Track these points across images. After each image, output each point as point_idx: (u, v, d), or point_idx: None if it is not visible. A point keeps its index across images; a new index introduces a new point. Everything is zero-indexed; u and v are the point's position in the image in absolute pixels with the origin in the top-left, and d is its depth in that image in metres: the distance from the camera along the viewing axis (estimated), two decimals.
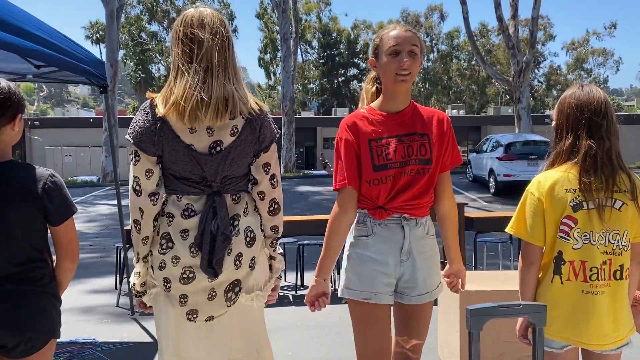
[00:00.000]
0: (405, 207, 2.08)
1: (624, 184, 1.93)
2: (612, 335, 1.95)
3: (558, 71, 44.99)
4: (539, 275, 2.03)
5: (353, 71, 44.40)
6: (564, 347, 1.98)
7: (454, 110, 35.79)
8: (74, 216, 1.93)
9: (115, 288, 5.87)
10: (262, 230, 2.06)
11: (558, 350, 1.98)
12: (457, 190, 16.46)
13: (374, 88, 2.23)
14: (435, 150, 2.11)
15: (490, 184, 15.63)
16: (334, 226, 2.10)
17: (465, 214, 5.76)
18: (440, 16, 43.74)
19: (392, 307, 2.18)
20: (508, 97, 38.88)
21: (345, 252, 2.18)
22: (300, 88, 41.79)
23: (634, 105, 51.52)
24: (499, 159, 14.97)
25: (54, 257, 1.96)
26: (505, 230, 2.10)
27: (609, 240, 1.93)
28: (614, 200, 1.92)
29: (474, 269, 6.11)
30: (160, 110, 1.87)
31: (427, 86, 45.28)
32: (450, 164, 2.20)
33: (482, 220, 6.01)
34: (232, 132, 1.92)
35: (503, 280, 3.61)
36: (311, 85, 44.23)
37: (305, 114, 32.40)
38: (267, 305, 2.17)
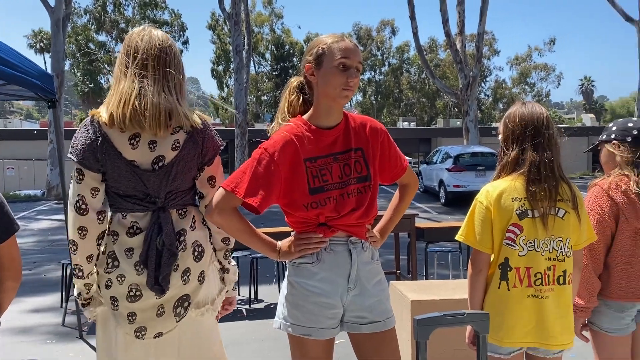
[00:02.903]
0: (352, 227, 1.95)
1: (566, 194, 2.05)
2: (559, 339, 2.03)
3: (503, 85, 46.62)
4: (487, 282, 2.10)
5: None
6: (511, 352, 2.05)
7: (405, 123, 36.47)
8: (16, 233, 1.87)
9: (61, 306, 5.66)
10: (211, 243, 2.05)
11: (505, 356, 2.05)
12: None
13: (300, 100, 2.02)
14: (372, 163, 1.98)
15: (441, 195, 15.98)
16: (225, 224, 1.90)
17: (416, 225, 5.88)
18: (392, 31, 44.64)
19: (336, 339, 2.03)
20: (457, 109, 40.01)
21: (286, 277, 2.00)
22: (254, 100, 41.64)
23: (574, 118, 53.87)
24: (448, 170, 15.34)
25: None
26: (455, 237, 2.17)
27: (552, 247, 2.03)
28: (557, 209, 2.03)
29: (425, 279, 6.22)
30: (104, 118, 1.85)
31: (378, 99, 46.00)
32: (402, 170, 2.09)
33: (433, 231, 6.16)
34: (173, 146, 1.91)
35: (453, 289, 3.69)
36: (264, 97, 44.15)
37: (258, 126, 32.25)
38: (221, 319, 2.15)
